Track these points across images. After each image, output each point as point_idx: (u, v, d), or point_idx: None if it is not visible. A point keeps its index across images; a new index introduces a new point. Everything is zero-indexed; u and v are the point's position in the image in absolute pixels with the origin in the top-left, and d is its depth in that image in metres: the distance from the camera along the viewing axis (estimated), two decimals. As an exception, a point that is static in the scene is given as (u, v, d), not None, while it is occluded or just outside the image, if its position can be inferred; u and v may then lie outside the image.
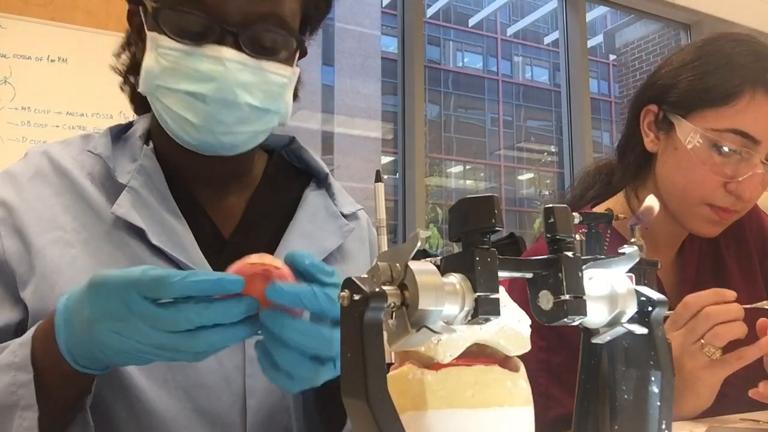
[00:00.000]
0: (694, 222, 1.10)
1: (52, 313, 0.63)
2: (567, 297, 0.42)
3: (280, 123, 0.83)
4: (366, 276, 0.41)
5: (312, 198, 0.91)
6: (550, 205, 0.44)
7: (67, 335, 0.60)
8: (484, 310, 0.41)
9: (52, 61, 2.34)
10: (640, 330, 0.48)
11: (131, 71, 0.88)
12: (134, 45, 0.85)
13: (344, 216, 0.92)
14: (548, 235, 0.44)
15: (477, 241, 0.41)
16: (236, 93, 0.75)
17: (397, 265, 0.41)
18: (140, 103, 0.88)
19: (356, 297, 0.39)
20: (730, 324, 0.88)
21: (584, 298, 0.43)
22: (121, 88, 0.91)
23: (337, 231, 0.89)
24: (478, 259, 0.41)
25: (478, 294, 0.40)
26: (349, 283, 0.40)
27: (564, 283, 0.43)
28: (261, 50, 0.77)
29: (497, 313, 0.41)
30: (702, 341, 0.88)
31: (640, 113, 1.13)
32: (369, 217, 0.99)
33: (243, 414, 0.75)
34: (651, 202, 0.53)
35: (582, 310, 0.43)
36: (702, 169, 1.04)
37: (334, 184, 0.94)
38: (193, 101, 0.75)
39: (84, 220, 0.77)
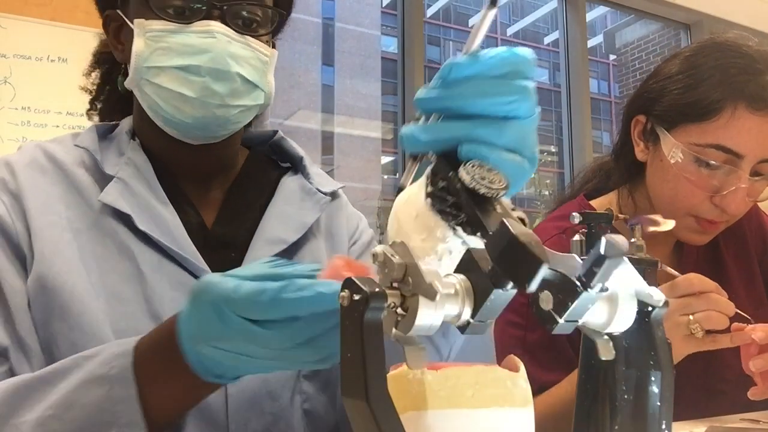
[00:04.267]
0: (681, 231, 1.11)
1: (164, 325, 0.60)
2: (567, 297, 0.42)
3: (265, 102, 0.85)
4: (366, 276, 0.41)
5: (288, 182, 0.92)
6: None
7: (195, 341, 0.57)
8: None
9: (52, 61, 2.34)
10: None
11: (108, 81, 0.94)
12: (113, 48, 0.89)
13: (324, 195, 0.92)
14: None
15: (477, 241, 0.42)
16: (228, 62, 0.79)
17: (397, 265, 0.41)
18: (118, 110, 0.93)
19: (356, 297, 0.39)
20: (721, 315, 0.90)
21: (584, 298, 0.43)
22: (89, 116, 0.96)
23: (314, 206, 0.90)
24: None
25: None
26: (349, 283, 0.40)
27: (564, 283, 0.42)
28: (245, 26, 0.82)
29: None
30: (691, 317, 0.90)
31: (631, 121, 1.14)
32: (369, 219, 0.99)
33: (224, 399, 0.74)
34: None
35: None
36: (687, 182, 1.05)
37: (309, 166, 0.95)
38: (187, 75, 0.79)
39: (77, 211, 0.79)
